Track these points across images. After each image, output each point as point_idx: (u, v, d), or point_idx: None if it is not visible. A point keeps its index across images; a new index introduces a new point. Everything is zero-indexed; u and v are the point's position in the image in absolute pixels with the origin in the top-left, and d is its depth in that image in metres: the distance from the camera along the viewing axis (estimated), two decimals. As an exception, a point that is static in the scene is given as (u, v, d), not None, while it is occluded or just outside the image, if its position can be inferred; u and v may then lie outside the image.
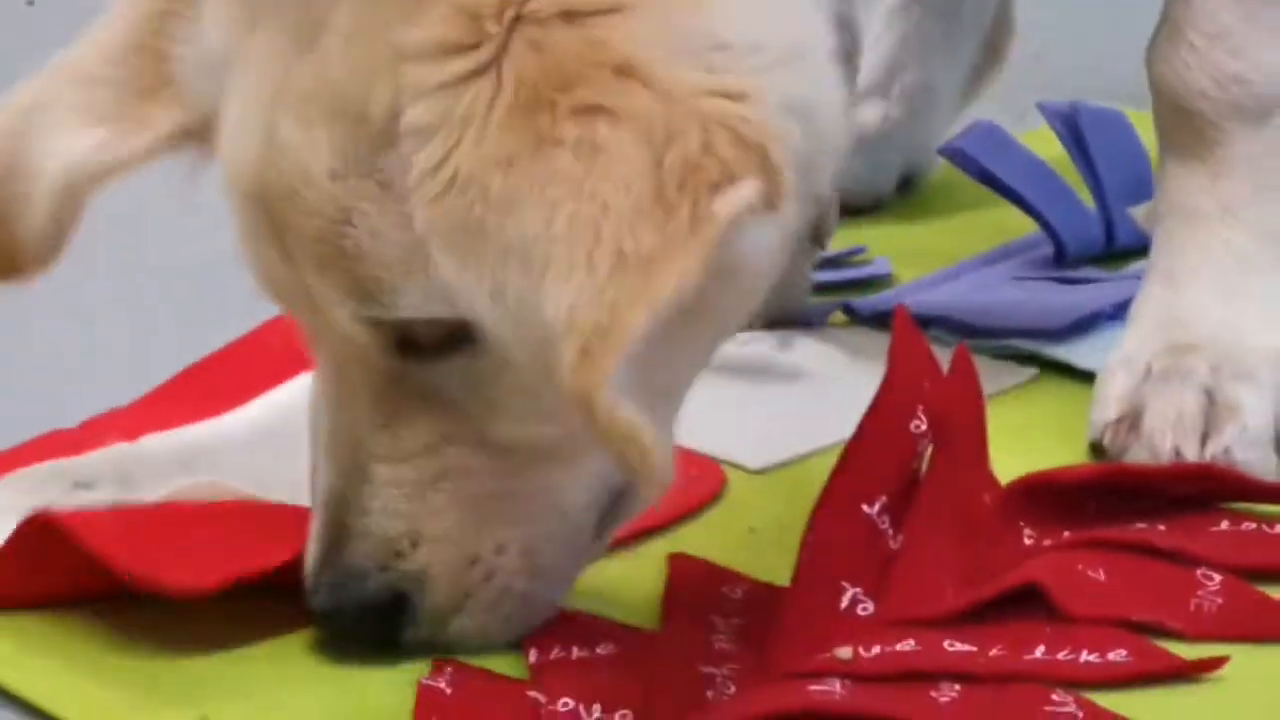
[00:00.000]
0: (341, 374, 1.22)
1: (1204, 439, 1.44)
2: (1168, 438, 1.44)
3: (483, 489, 1.22)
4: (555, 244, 1.05)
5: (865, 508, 1.24)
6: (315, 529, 1.22)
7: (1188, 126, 1.52)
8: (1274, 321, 1.54)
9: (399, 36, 1.12)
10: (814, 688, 1.11)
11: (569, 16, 1.11)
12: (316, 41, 1.16)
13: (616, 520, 1.24)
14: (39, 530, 1.28)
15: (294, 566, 1.24)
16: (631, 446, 1.05)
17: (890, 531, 1.25)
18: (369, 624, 1.21)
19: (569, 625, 1.23)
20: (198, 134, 1.23)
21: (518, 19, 1.10)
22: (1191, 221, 1.54)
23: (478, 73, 1.09)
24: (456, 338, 1.17)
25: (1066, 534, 1.29)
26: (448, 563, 1.21)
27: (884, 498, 1.25)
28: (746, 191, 1.04)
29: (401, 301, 1.15)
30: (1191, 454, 1.43)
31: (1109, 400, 1.50)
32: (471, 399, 1.19)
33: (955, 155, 1.80)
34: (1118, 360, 1.51)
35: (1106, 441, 1.47)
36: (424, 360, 1.18)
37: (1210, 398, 1.47)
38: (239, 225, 1.21)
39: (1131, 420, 1.47)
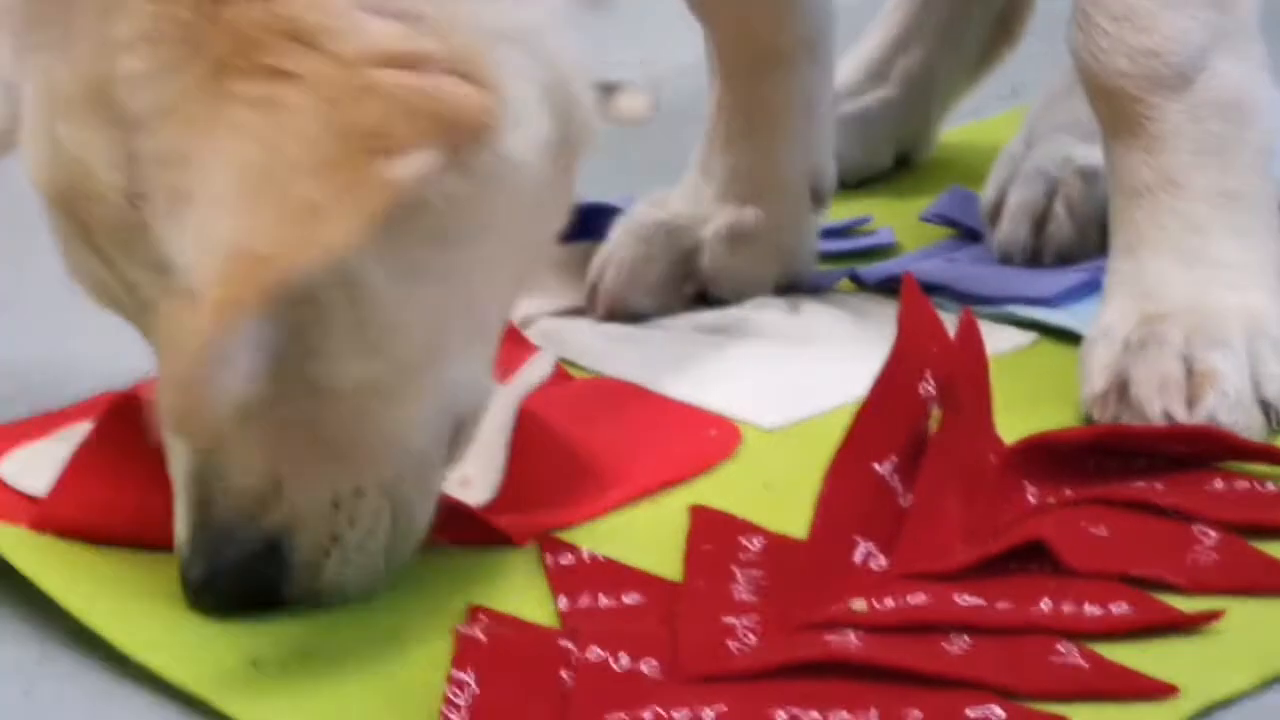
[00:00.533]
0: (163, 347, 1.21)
1: (1190, 404, 1.45)
2: (1155, 403, 1.45)
3: (330, 435, 1.23)
4: (234, 186, 1.09)
5: (876, 466, 1.26)
6: (180, 508, 1.22)
7: (1117, 107, 1.54)
8: (1236, 282, 1.55)
9: (115, 34, 1.16)
10: (830, 638, 1.13)
11: None
12: (69, 51, 1.19)
13: (461, 445, 1.26)
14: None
15: None
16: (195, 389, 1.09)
17: (900, 489, 1.26)
18: (246, 580, 1.22)
19: (597, 573, 1.25)
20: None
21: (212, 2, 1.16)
22: (1139, 197, 1.56)
23: (181, 55, 1.14)
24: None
25: (1068, 492, 1.29)
26: (310, 508, 1.22)
27: (894, 458, 1.27)
28: (417, 161, 1.09)
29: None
30: (1181, 416, 1.44)
31: (1094, 373, 1.51)
32: (293, 348, 1.20)
33: (933, 219, 1.84)
34: (1096, 334, 1.53)
35: (1097, 414, 1.48)
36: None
37: (1188, 366, 1.48)
38: (57, 234, 1.24)
39: (1119, 390, 1.48)
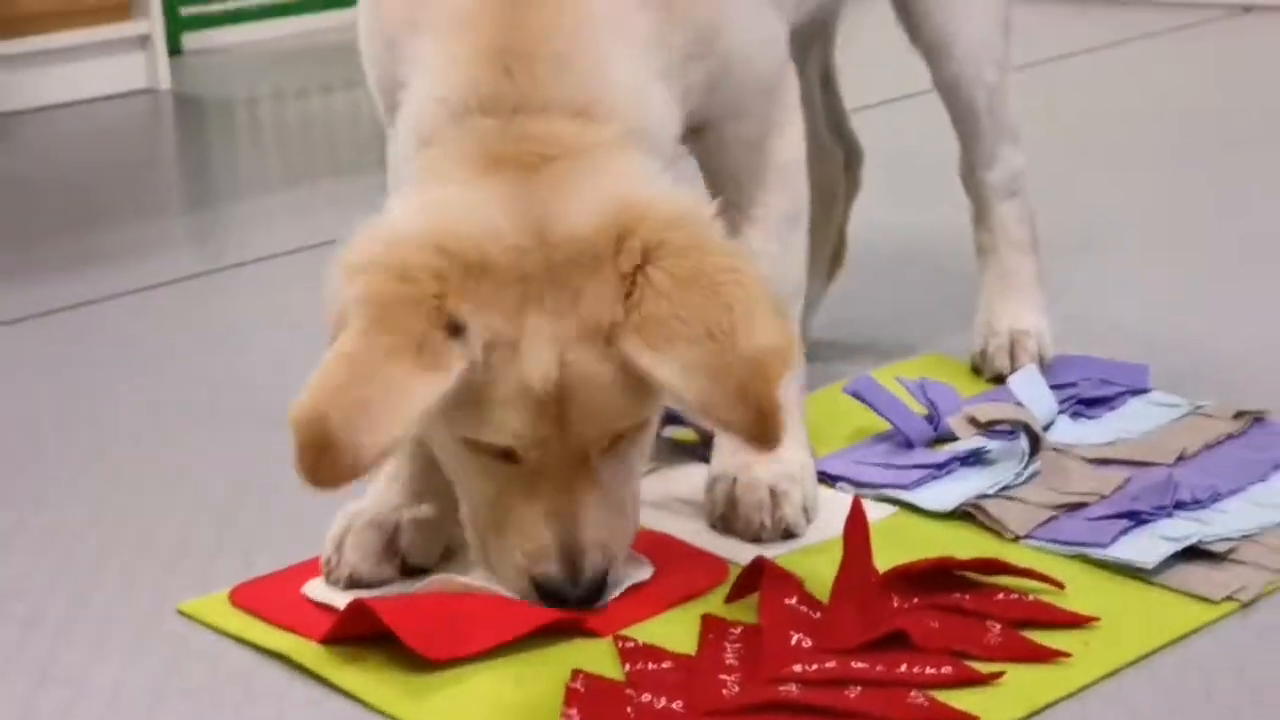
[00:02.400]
0: (568, 468, 1.41)
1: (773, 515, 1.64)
2: (754, 516, 1.64)
3: (629, 506, 1.49)
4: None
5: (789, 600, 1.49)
6: (547, 556, 1.42)
7: None
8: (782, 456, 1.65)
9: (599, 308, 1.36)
10: (781, 688, 1.36)
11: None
12: (562, 324, 1.36)
13: None
14: (361, 609, 1.46)
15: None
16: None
17: (810, 609, 1.48)
18: (594, 597, 1.45)
19: (646, 651, 1.44)
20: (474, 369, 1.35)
21: (643, 265, 1.37)
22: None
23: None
24: (623, 437, 1.44)
25: (916, 600, 1.48)
26: (621, 547, 1.48)
27: (798, 595, 1.49)
28: None
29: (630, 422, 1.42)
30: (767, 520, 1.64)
31: (714, 504, 1.68)
32: (621, 466, 1.46)
33: (853, 394, 1.88)
34: (714, 478, 1.69)
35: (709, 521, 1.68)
36: (607, 450, 1.44)
37: (774, 495, 1.65)
38: (522, 414, 1.36)
39: (731, 509, 1.66)
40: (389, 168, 1.61)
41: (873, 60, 2.83)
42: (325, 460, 1.31)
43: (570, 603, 1.43)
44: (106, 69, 4.02)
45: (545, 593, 1.43)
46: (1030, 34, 4.11)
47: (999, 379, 1.98)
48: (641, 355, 1.35)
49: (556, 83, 1.43)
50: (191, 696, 1.43)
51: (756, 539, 1.64)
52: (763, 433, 1.35)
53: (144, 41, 4.05)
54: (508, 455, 1.42)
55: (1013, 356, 2.02)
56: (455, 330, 1.34)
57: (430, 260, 1.34)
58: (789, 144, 1.72)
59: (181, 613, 1.58)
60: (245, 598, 1.58)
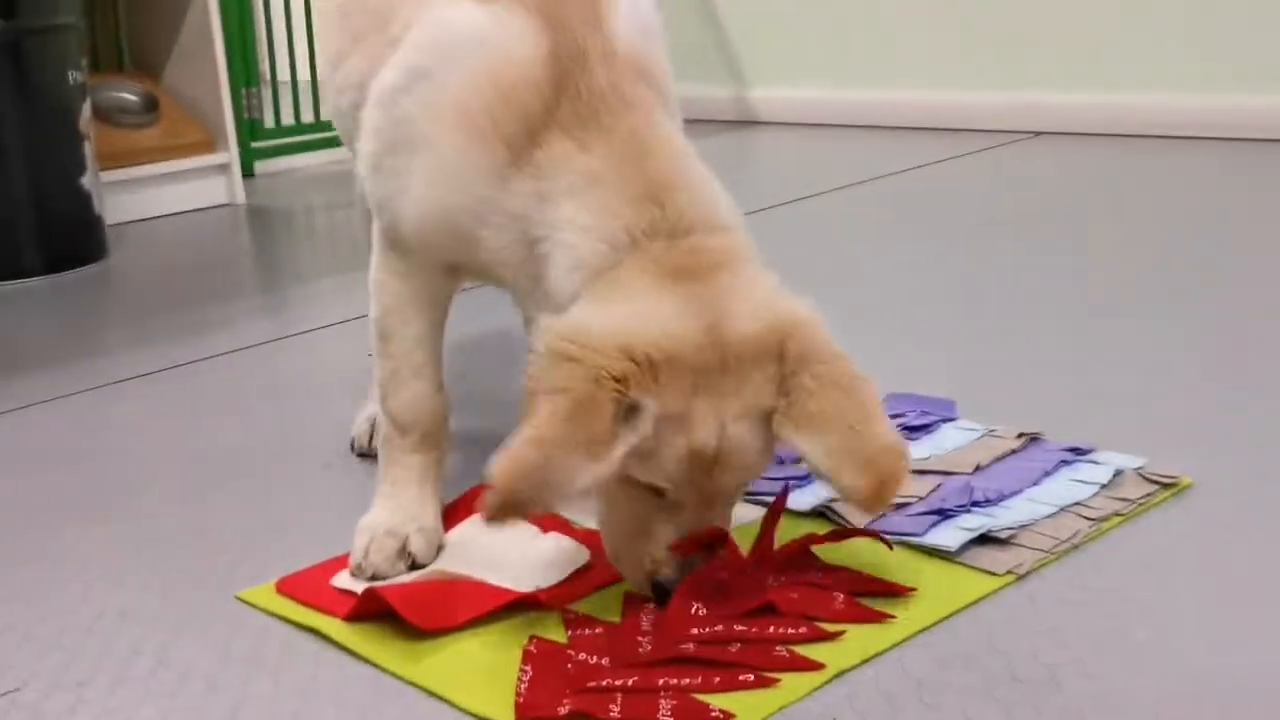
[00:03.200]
0: (706, 506, 1.37)
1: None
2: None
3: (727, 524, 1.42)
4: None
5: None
6: (671, 564, 1.37)
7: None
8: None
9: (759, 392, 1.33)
10: (681, 646, 1.34)
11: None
12: (727, 404, 1.32)
13: None
14: (373, 595, 1.46)
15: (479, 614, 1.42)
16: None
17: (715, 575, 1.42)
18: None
19: (584, 620, 1.42)
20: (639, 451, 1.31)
21: (797, 368, 1.34)
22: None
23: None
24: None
25: (784, 579, 1.46)
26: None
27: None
28: None
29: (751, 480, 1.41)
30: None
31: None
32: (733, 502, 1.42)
33: None
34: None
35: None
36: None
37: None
38: (684, 467, 1.32)
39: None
40: (520, 298, 1.55)
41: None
42: (510, 514, 1.29)
43: (670, 594, 1.38)
44: (197, 189, 4.03)
45: (659, 590, 1.39)
46: (860, 156, 4.22)
47: None
48: (796, 439, 1.33)
49: (692, 209, 1.41)
50: (245, 662, 1.43)
51: None
52: (880, 501, 1.34)
53: (224, 168, 4.07)
54: (657, 491, 1.37)
55: None
56: (632, 411, 1.30)
57: (616, 364, 1.30)
58: None
59: (239, 599, 1.57)
60: (288, 586, 1.57)
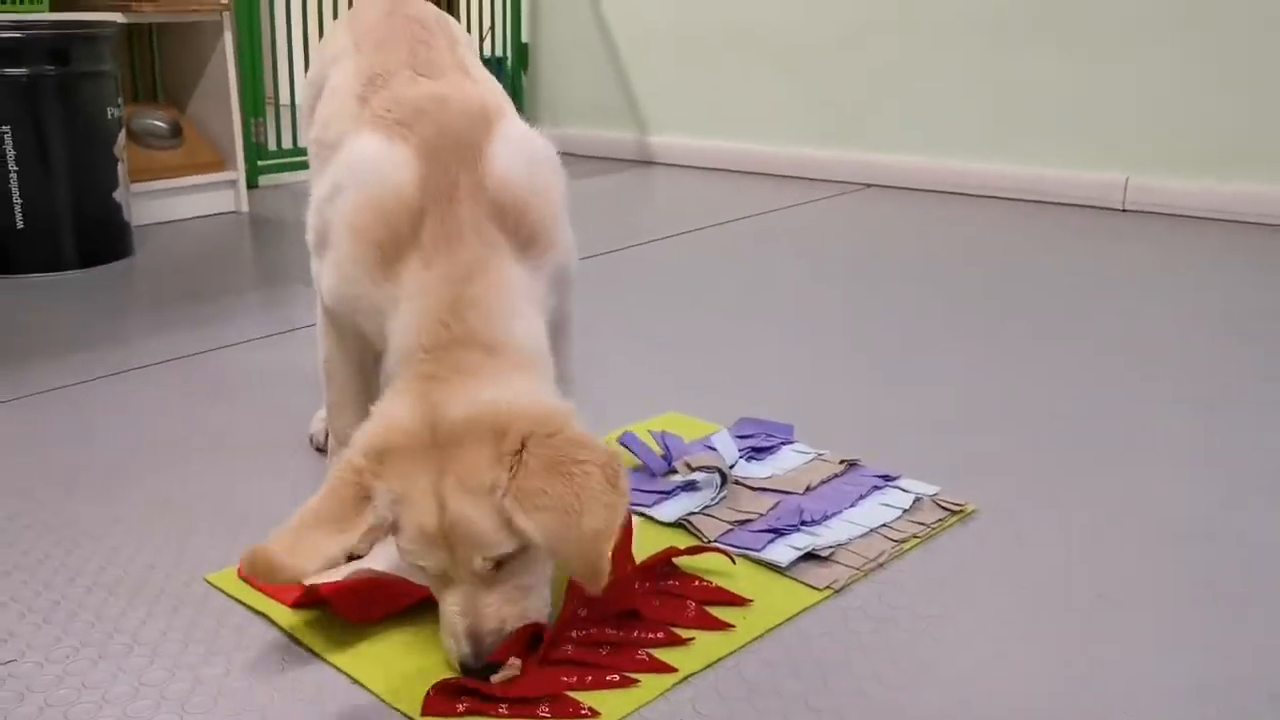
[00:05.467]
0: (469, 580, 1.21)
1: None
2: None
3: (528, 591, 1.24)
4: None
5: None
6: (461, 640, 1.20)
7: None
8: None
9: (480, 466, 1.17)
10: (562, 648, 1.26)
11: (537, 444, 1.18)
12: (443, 481, 1.18)
13: None
14: (313, 590, 1.35)
15: (400, 607, 1.32)
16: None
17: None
18: (494, 670, 1.21)
19: None
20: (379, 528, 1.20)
21: (522, 450, 1.18)
22: None
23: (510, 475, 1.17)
24: (514, 555, 1.20)
25: (649, 585, 1.39)
26: (517, 623, 1.23)
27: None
28: None
29: (502, 551, 1.19)
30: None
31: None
32: (513, 577, 1.22)
33: (624, 442, 1.74)
34: None
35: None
36: (499, 567, 1.21)
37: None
38: (420, 544, 1.19)
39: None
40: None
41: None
42: (263, 572, 1.17)
43: (476, 674, 1.21)
44: (209, 199, 3.91)
45: (463, 669, 1.22)
46: (730, 196, 4.19)
47: None
48: (518, 515, 1.17)
49: (479, 329, 1.29)
50: (204, 644, 1.33)
51: None
52: (594, 579, 1.17)
53: (233, 183, 3.95)
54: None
55: None
56: (368, 498, 1.20)
57: (357, 459, 1.21)
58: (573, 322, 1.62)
59: (207, 581, 1.46)
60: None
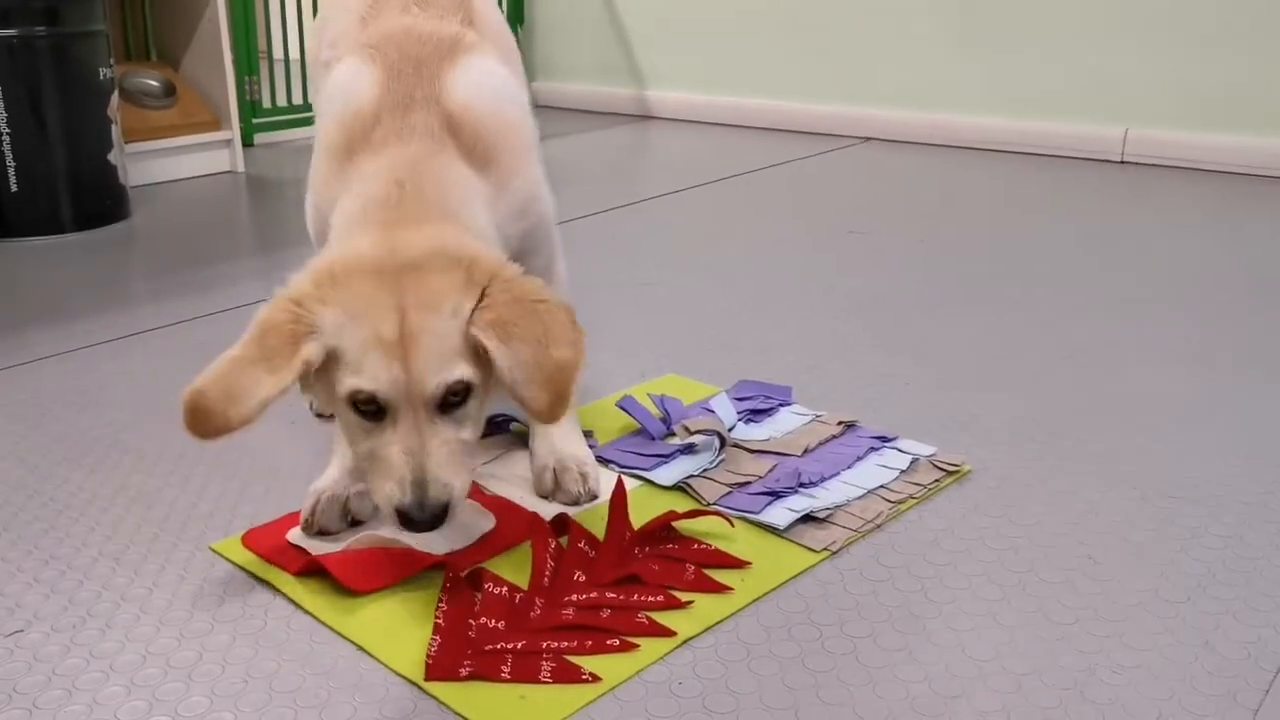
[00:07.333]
0: (417, 421, 1.19)
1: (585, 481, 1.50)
2: (571, 490, 1.51)
3: (469, 452, 1.25)
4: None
5: (581, 545, 1.39)
6: (402, 487, 1.17)
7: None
8: (575, 446, 1.55)
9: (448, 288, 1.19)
10: (562, 612, 1.27)
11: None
12: (406, 297, 1.18)
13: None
14: (315, 560, 1.37)
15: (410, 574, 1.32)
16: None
17: (590, 549, 1.39)
18: (437, 522, 1.19)
19: (494, 579, 1.32)
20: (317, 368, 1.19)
21: (489, 285, 1.21)
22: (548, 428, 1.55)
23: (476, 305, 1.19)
24: (458, 402, 1.22)
25: (649, 549, 1.40)
26: (461, 487, 1.22)
27: (586, 539, 1.39)
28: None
29: (458, 377, 1.19)
30: (581, 490, 1.50)
31: (543, 483, 1.52)
32: (457, 425, 1.22)
33: (621, 406, 1.76)
34: (541, 466, 1.53)
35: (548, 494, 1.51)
36: (450, 406, 1.22)
37: (582, 474, 1.52)
38: (375, 356, 1.17)
39: (556, 484, 1.52)
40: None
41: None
42: (200, 421, 1.16)
43: (419, 525, 1.18)
44: (206, 158, 3.88)
45: (404, 519, 1.18)
46: (724, 154, 4.16)
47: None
48: (490, 341, 1.19)
49: (434, 194, 1.33)
50: (209, 612, 1.33)
51: (575, 503, 1.53)
52: (553, 413, 1.21)
53: (229, 142, 3.92)
54: (377, 411, 1.21)
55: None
56: (306, 334, 1.19)
57: (296, 290, 1.22)
58: (562, 268, 1.67)
59: (212, 549, 1.47)
60: (251, 540, 1.46)
